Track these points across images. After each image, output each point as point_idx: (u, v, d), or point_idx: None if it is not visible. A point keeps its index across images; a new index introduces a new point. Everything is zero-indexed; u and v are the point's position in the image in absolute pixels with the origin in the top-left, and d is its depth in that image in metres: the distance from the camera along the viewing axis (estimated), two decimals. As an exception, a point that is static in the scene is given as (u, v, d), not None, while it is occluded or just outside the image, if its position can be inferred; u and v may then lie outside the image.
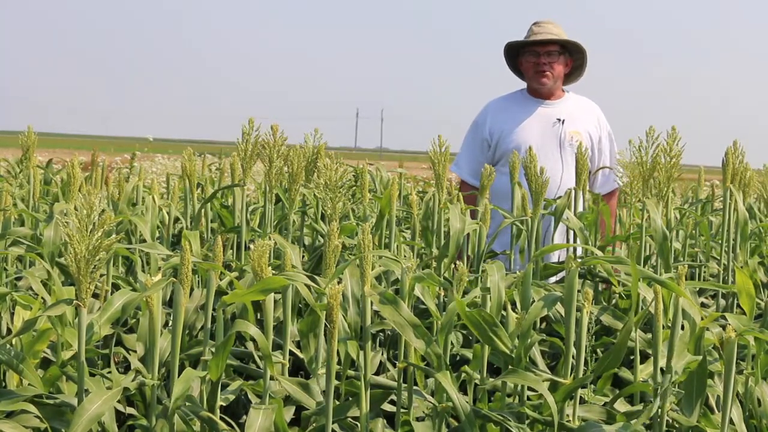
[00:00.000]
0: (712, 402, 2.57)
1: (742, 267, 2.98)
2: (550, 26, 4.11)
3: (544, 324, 2.95)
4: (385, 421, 2.28)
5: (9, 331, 2.67)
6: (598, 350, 2.78)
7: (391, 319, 2.03)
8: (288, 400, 2.34)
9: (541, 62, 4.07)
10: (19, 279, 3.13)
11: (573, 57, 4.16)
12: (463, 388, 2.46)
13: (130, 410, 2.47)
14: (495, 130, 4.11)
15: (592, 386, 2.50)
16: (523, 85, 4.26)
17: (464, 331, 2.92)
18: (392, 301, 2.04)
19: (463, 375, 2.47)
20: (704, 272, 3.61)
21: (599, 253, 2.74)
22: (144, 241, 3.48)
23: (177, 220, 3.90)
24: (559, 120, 4.08)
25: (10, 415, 2.06)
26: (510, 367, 2.16)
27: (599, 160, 4.14)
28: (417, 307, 2.79)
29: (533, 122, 4.10)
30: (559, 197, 3.31)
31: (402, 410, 2.26)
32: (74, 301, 1.92)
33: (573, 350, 2.19)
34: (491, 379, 2.31)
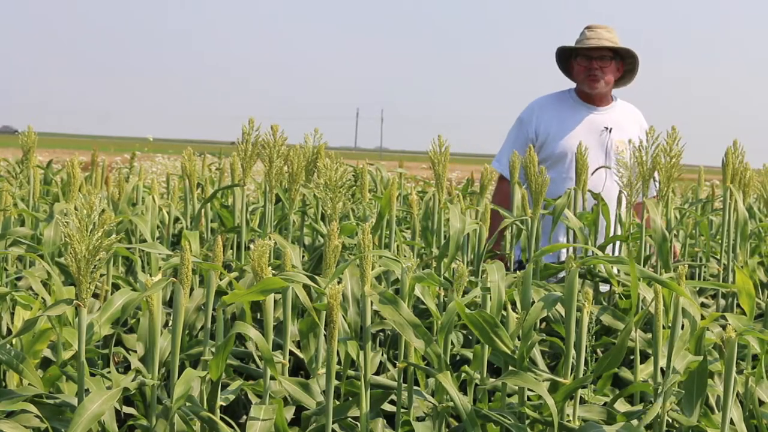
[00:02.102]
0: (712, 402, 2.57)
1: (742, 267, 2.98)
2: (603, 32, 4.09)
3: (544, 324, 2.95)
4: (385, 421, 2.28)
5: (9, 331, 2.67)
6: (598, 350, 2.78)
7: (391, 319, 2.03)
8: (288, 400, 2.34)
9: (593, 67, 4.05)
10: (19, 279, 3.13)
11: (624, 62, 4.14)
12: (463, 388, 2.46)
13: (130, 410, 2.48)
14: (541, 131, 4.10)
15: (593, 386, 2.50)
16: (570, 84, 4.23)
17: (464, 331, 2.92)
18: (392, 301, 2.04)
19: (464, 375, 2.47)
20: (704, 272, 3.61)
21: (599, 253, 2.74)
22: (144, 241, 3.48)
23: (177, 220, 3.90)
24: (606, 129, 4.07)
25: (10, 415, 2.06)
26: (510, 367, 2.17)
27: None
28: (417, 307, 2.79)
29: (582, 129, 4.07)
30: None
31: (402, 410, 2.26)
32: (74, 301, 1.92)
33: (573, 350, 2.19)
34: (491, 380, 2.32)
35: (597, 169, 4.08)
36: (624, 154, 3.96)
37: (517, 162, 3.31)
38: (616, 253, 3.29)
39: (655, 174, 4.04)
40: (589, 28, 4.12)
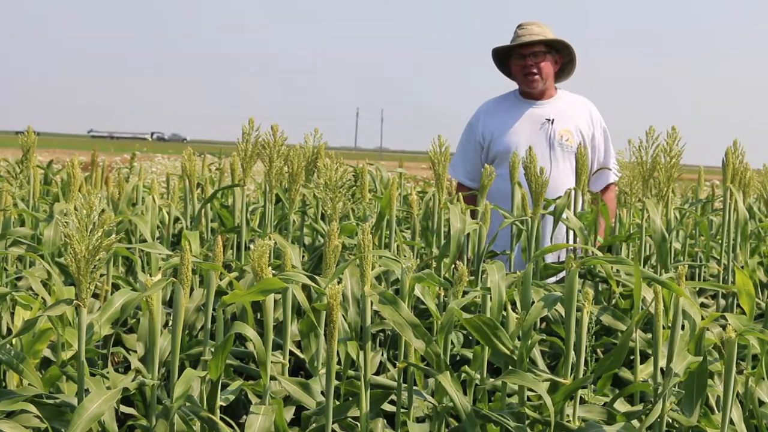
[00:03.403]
0: (712, 402, 2.57)
1: (742, 267, 2.98)
2: (533, 27, 4.12)
3: (544, 324, 2.95)
4: (385, 421, 2.28)
5: (9, 331, 2.67)
6: (598, 350, 2.78)
7: (391, 319, 2.03)
8: (288, 400, 2.34)
9: (528, 64, 4.09)
10: (19, 279, 3.13)
11: (561, 54, 4.17)
12: (463, 389, 2.46)
13: (130, 410, 2.48)
14: (486, 133, 4.15)
15: (593, 386, 2.50)
16: (516, 85, 4.27)
17: (464, 331, 2.92)
18: (392, 301, 2.04)
19: (464, 375, 2.47)
20: (704, 272, 3.61)
21: (599, 253, 2.74)
22: (144, 241, 3.48)
23: (177, 220, 3.90)
24: (548, 120, 4.10)
25: (10, 415, 2.06)
26: (510, 367, 2.16)
27: (594, 157, 4.15)
28: (417, 307, 2.79)
29: (523, 124, 4.12)
30: (555, 198, 3.31)
31: (402, 410, 2.26)
32: (74, 301, 1.92)
33: (573, 350, 2.19)
34: (491, 380, 2.31)
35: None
36: (570, 142, 3.99)
37: (517, 162, 3.31)
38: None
39: (612, 161, 4.08)
40: (520, 27, 4.15)
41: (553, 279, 3.26)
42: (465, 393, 2.42)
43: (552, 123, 4.09)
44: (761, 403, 2.44)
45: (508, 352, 2.15)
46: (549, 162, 4.00)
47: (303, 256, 3.24)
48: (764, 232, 3.95)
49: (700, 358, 2.11)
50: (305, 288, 2.25)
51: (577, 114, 4.16)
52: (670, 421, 2.20)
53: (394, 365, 2.67)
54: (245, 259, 3.09)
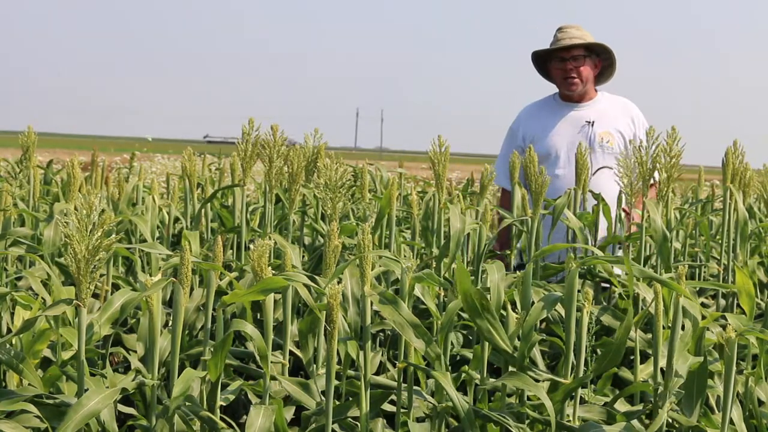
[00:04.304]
0: (712, 402, 2.57)
1: (742, 267, 2.98)
2: (573, 30, 4.14)
3: (544, 324, 2.95)
4: (385, 421, 2.28)
5: (9, 331, 2.67)
6: (598, 350, 2.77)
7: (391, 319, 2.03)
8: (288, 400, 2.34)
9: (568, 68, 4.11)
10: (19, 279, 3.13)
11: (601, 57, 4.19)
12: (463, 388, 2.46)
13: (130, 410, 2.48)
14: (527, 136, 4.19)
15: (593, 386, 2.50)
16: (556, 88, 4.29)
17: (464, 331, 2.92)
18: (392, 301, 2.04)
19: (463, 375, 2.47)
20: (704, 272, 3.61)
21: (599, 252, 2.74)
22: (144, 241, 3.48)
23: (177, 220, 3.90)
24: (588, 122, 4.12)
25: (10, 415, 2.06)
26: (510, 367, 2.17)
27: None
28: (417, 307, 2.79)
29: (563, 126, 4.14)
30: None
31: (402, 410, 2.26)
32: (74, 301, 1.92)
33: (573, 350, 2.19)
34: (491, 380, 2.32)
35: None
36: (611, 144, 4.00)
37: (517, 162, 3.31)
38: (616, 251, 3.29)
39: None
40: (560, 30, 4.18)
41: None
42: (465, 393, 2.42)
43: (592, 125, 4.11)
44: (761, 403, 2.44)
45: (505, 347, 2.14)
46: (590, 164, 4.01)
47: (303, 256, 3.24)
48: (764, 232, 3.95)
49: (701, 358, 2.11)
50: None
51: (617, 116, 4.18)
52: (670, 421, 2.20)
53: (394, 365, 2.67)
54: (245, 259, 3.09)
